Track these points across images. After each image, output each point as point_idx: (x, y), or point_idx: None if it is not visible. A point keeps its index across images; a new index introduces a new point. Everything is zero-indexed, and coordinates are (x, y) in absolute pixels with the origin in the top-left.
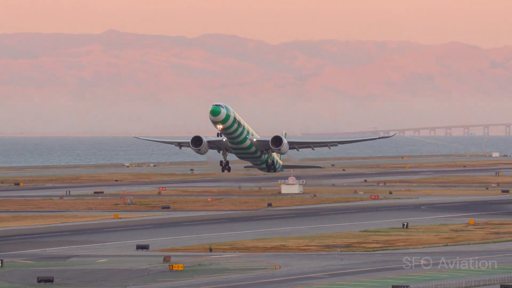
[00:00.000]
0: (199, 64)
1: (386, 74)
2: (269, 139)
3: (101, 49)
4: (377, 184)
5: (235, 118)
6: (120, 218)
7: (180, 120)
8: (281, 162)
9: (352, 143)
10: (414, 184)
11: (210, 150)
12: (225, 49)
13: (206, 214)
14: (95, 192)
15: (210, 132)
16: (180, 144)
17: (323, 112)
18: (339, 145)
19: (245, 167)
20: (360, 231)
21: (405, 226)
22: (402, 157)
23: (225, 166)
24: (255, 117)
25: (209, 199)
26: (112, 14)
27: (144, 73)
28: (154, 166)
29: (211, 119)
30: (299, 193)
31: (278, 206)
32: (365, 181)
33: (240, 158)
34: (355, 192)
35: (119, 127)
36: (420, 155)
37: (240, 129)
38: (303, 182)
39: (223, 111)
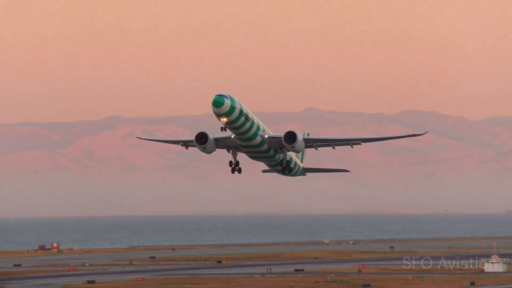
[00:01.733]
0: (398, 141)
1: None
2: (282, 135)
3: (300, 126)
4: None
5: (241, 111)
6: None
7: (379, 196)
8: (301, 165)
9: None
10: None
11: (218, 150)
12: (424, 125)
13: None
14: (295, 270)
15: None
16: (186, 144)
17: None
18: (363, 143)
19: (263, 171)
20: None
21: None
22: None
23: (235, 167)
24: (455, 194)
25: (410, 277)
26: (311, 92)
27: (343, 150)
28: (354, 243)
29: (214, 112)
30: (503, 272)
31: (481, 285)
32: None
33: (252, 158)
34: None
35: (317, 205)
36: None
37: (248, 124)
38: (507, 260)
39: (227, 102)
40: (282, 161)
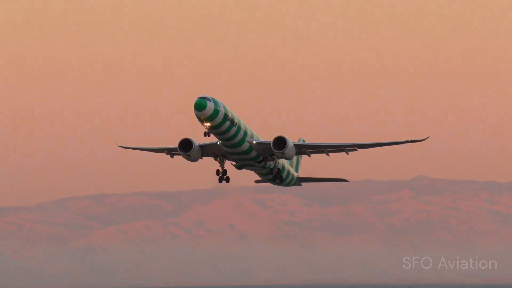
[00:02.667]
0: (510, 209)
1: None
2: (271, 141)
3: (410, 195)
4: None
5: (226, 115)
6: None
7: (492, 266)
8: (296, 174)
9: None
10: None
11: (205, 158)
12: None
13: None
14: None
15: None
16: (171, 152)
17: None
18: (359, 149)
19: (255, 181)
20: None
21: None
22: None
23: (222, 176)
24: None
25: None
26: (421, 160)
27: (454, 219)
28: None
29: (196, 115)
30: None
31: None
32: None
33: (240, 167)
34: None
35: (429, 273)
36: None
37: (234, 129)
38: None
39: (210, 105)
40: (272, 169)
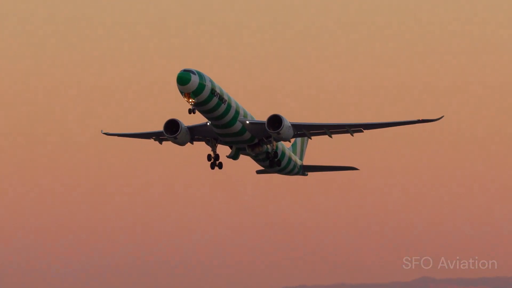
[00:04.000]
0: None
1: None
2: (266, 120)
3: None
4: None
5: (213, 90)
6: None
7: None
8: (300, 162)
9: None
10: None
11: (196, 143)
12: None
13: None
14: None
15: None
16: (159, 138)
17: None
18: (365, 130)
19: (257, 171)
20: None
21: None
22: None
23: (215, 162)
24: None
25: None
26: None
27: None
28: None
29: (179, 90)
30: None
31: None
32: None
33: (235, 156)
34: None
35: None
36: None
37: (224, 106)
38: None
39: (194, 79)
40: (269, 153)
